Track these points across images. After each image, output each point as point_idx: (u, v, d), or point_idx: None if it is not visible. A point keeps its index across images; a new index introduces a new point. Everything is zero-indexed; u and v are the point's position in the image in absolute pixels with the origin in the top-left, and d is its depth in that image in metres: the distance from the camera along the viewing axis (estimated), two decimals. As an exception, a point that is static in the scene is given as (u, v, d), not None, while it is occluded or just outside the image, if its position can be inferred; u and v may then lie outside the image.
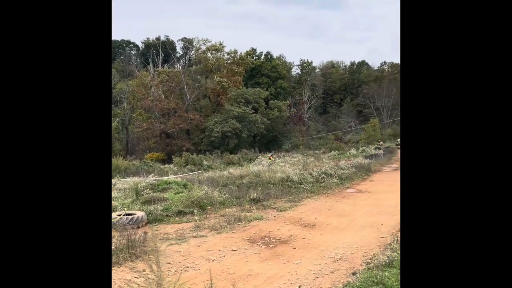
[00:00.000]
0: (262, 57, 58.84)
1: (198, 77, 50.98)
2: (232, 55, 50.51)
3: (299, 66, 75.80)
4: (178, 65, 62.00)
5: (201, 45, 50.32)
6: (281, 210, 11.19)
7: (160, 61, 54.37)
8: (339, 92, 75.07)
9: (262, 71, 56.02)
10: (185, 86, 45.36)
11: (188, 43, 68.00)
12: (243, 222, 9.62)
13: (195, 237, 8.40)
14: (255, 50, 58.08)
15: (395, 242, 7.11)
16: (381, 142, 40.12)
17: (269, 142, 43.26)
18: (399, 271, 5.31)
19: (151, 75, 46.68)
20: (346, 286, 5.10)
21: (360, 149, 33.75)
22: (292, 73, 73.70)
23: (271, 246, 7.86)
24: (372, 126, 51.30)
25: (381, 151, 30.69)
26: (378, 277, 4.99)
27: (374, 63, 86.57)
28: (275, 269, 6.43)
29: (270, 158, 29.18)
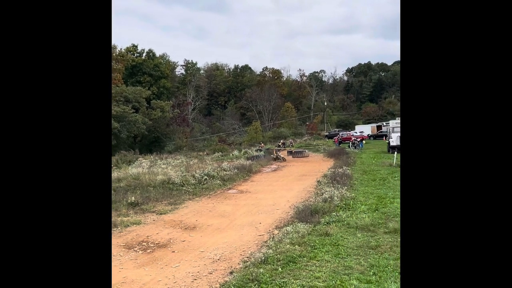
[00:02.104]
0: (144, 54, 56.60)
1: (72, 72, 46.82)
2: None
3: (183, 67, 75.09)
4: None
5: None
6: (161, 214, 10.85)
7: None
8: (223, 94, 76.39)
9: (143, 69, 53.90)
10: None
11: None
12: (119, 228, 9.06)
13: (62, 247, 7.60)
14: (136, 46, 55.60)
15: (271, 239, 7.43)
16: (262, 144, 41.91)
17: (151, 143, 41.77)
18: (273, 266, 5.56)
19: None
20: (223, 286, 5.13)
21: (243, 151, 34.74)
22: (176, 73, 72.65)
23: (148, 251, 7.54)
24: (254, 128, 53.34)
25: (262, 153, 32.05)
26: (254, 274, 5.14)
27: (256, 68, 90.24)
28: (152, 275, 6.18)
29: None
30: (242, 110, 68.99)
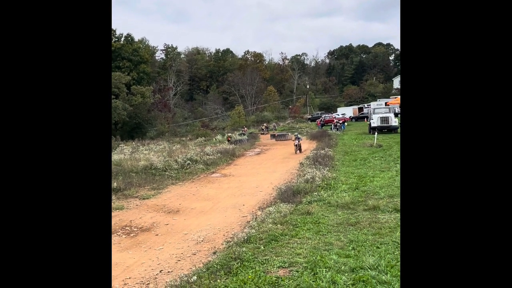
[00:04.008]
0: (122, 39, 55.41)
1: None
2: (89, 35, 46.40)
3: (163, 51, 73.95)
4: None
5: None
6: (144, 198, 10.84)
7: None
8: (205, 79, 75.62)
9: (122, 54, 52.81)
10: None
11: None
12: (102, 213, 9.03)
13: (44, 233, 7.57)
14: (114, 31, 54.34)
15: (254, 220, 7.54)
16: (245, 128, 41.89)
17: (132, 130, 41.20)
18: (255, 245, 5.66)
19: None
20: (206, 265, 5.21)
21: (226, 135, 34.71)
22: (156, 58, 71.48)
23: (132, 235, 7.57)
24: (237, 112, 53.15)
25: (245, 137, 32.08)
26: (237, 253, 5.22)
27: (238, 52, 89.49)
28: (135, 257, 6.22)
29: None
30: (224, 94, 68.54)
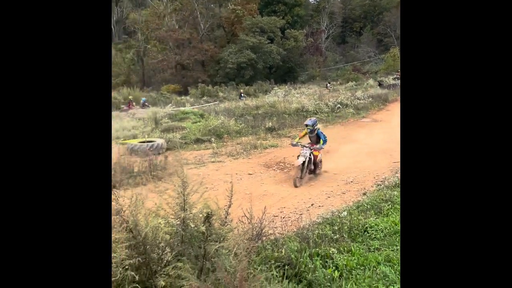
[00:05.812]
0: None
1: (212, 5, 49.16)
2: (246, -20, 48.08)
3: (317, -8, 72.12)
4: (191, -8, 59.57)
5: (213, -30, 47.82)
6: (295, 138, 11.42)
7: (172, -12, 52.16)
8: (359, 20, 71.68)
9: (278, -2, 53.52)
10: (199, 15, 44.00)
11: (200, -32, 64.54)
12: (259, 149, 9.93)
13: (213, 162, 8.79)
14: (271, -25, 55.00)
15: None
16: (399, 73, 39.13)
17: (285, 74, 42.51)
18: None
19: (164, 3, 45.18)
20: (356, 203, 5.40)
21: (379, 79, 33.06)
22: (310, 0, 70.35)
23: (285, 170, 8.20)
24: (392, 56, 49.50)
25: (399, 82, 30.09)
26: (387, 195, 5.25)
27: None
28: (289, 191, 6.78)
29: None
30: (379, 36, 64.01)
